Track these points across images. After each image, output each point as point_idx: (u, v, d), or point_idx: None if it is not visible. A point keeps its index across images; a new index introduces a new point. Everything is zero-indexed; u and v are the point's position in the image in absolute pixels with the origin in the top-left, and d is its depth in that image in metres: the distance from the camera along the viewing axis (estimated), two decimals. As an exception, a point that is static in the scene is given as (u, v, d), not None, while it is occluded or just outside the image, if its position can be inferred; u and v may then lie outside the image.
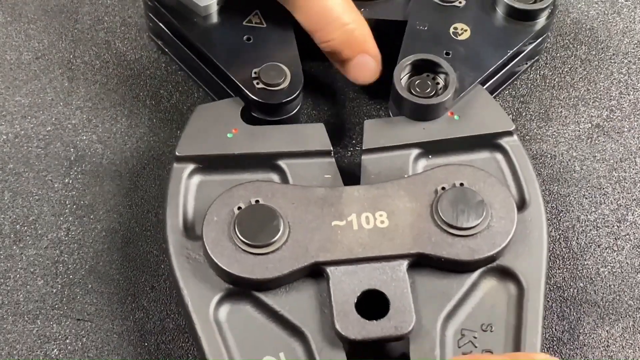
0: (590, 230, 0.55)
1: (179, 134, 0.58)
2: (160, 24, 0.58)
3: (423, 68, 0.54)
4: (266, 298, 0.47)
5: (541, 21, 0.57)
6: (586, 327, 0.52)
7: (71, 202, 0.55)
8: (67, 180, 0.56)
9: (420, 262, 0.48)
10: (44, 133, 0.58)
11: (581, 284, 0.53)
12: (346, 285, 0.47)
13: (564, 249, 0.54)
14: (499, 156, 0.53)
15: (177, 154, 0.51)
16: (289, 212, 0.48)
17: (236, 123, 0.53)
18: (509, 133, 0.53)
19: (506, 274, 0.49)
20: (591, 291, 0.53)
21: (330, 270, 0.47)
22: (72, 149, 0.57)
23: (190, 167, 0.51)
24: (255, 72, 0.53)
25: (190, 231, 0.50)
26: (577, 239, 0.55)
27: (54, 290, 0.52)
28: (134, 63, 0.61)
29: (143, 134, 0.58)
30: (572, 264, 0.54)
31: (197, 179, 0.51)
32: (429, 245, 0.47)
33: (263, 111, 0.53)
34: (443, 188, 0.49)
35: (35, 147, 0.57)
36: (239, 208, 0.48)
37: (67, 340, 0.51)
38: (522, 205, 0.51)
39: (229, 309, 0.47)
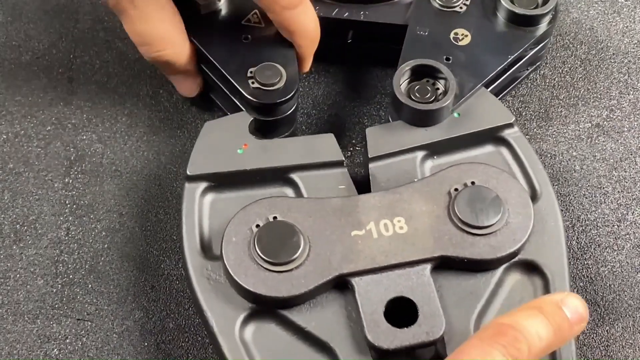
0: (590, 229, 0.55)
1: (179, 134, 0.58)
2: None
3: (423, 73, 0.54)
4: (291, 315, 0.47)
5: (542, 27, 0.56)
6: (586, 327, 0.52)
7: (71, 202, 0.55)
8: (67, 180, 0.56)
9: (443, 265, 0.48)
10: (44, 132, 0.58)
11: (581, 284, 0.53)
12: (373, 294, 0.46)
13: (564, 249, 0.54)
14: (503, 149, 0.53)
15: (188, 173, 0.51)
16: (307, 226, 0.48)
17: (245, 138, 0.52)
18: (509, 125, 0.53)
19: (529, 267, 0.49)
20: (591, 291, 0.53)
21: (355, 281, 0.47)
22: (72, 149, 0.57)
23: (203, 185, 0.51)
24: (251, 72, 0.53)
25: (208, 251, 0.49)
26: (577, 238, 0.55)
27: (54, 290, 0.52)
28: (134, 63, 0.61)
29: (143, 134, 0.58)
30: (572, 263, 0.54)
31: (210, 197, 0.51)
32: (451, 247, 0.47)
33: (257, 111, 0.53)
34: (456, 189, 0.49)
35: (35, 147, 0.57)
36: (257, 226, 0.48)
37: (67, 340, 0.51)
38: (533, 196, 0.51)
39: (255, 328, 0.47)
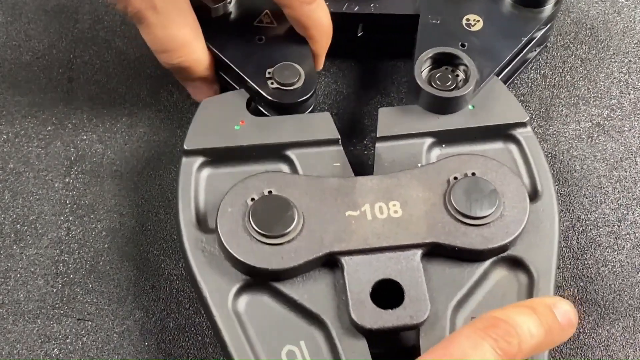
0: (590, 229, 0.55)
1: (180, 133, 0.58)
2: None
3: (442, 62, 0.54)
4: (284, 288, 0.47)
5: (549, 7, 0.57)
6: (586, 327, 0.52)
7: (71, 202, 0.55)
8: (67, 180, 0.56)
9: (434, 252, 0.48)
10: (44, 133, 0.58)
11: (581, 284, 0.53)
12: (361, 275, 0.47)
13: (564, 249, 0.54)
14: (513, 147, 0.53)
15: (185, 147, 0.51)
16: (303, 202, 0.48)
17: (243, 115, 0.53)
18: (522, 124, 0.53)
19: (517, 264, 0.49)
20: (591, 290, 0.53)
21: (344, 260, 0.47)
22: (72, 149, 0.57)
23: (199, 160, 0.51)
24: (269, 72, 0.53)
25: (203, 224, 0.50)
26: (578, 238, 0.55)
27: (55, 290, 0.52)
28: (134, 63, 0.61)
29: (143, 134, 0.58)
30: (572, 263, 0.54)
31: (206, 172, 0.51)
32: (443, 235, 0.48)
33: (278, 111, 0.53)
34: (455, 178, 0.49)
35: (35, 147, 0.57)
36: (252, 199, 0.48)
37: (68, 340, 0.51)
38: (534, 196, 0.51)
39: (248, 299, 0.47)
